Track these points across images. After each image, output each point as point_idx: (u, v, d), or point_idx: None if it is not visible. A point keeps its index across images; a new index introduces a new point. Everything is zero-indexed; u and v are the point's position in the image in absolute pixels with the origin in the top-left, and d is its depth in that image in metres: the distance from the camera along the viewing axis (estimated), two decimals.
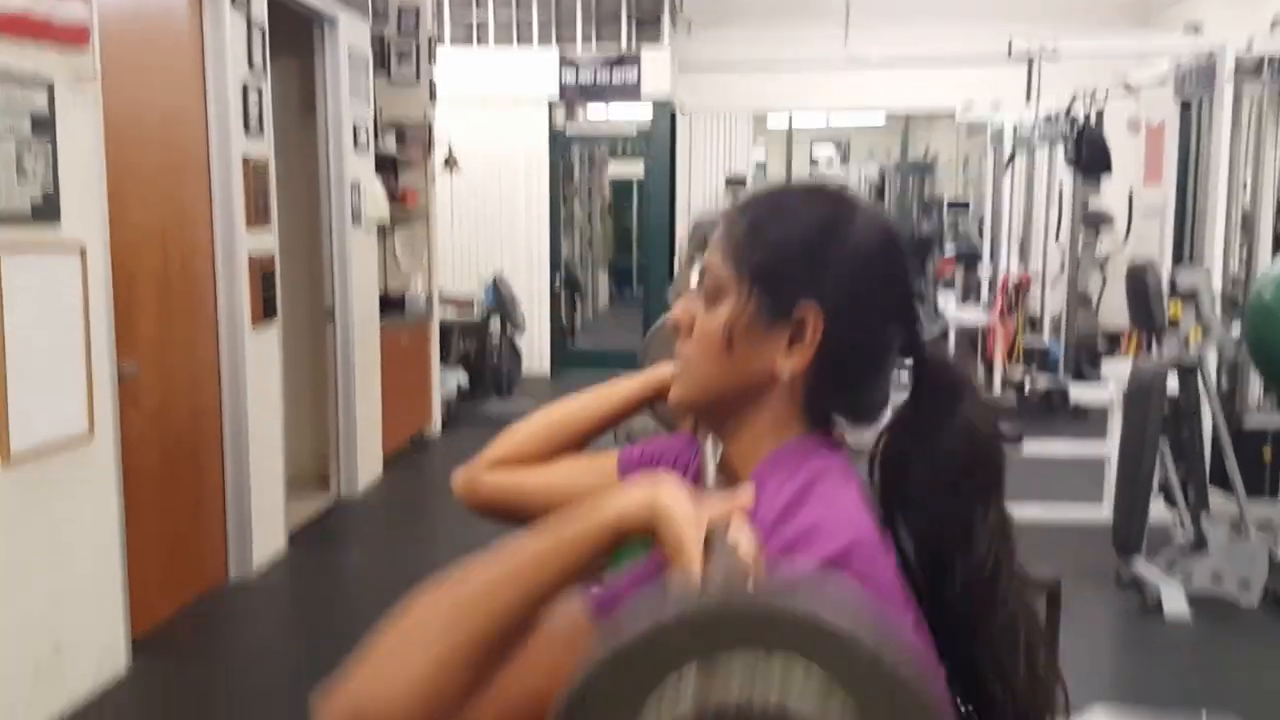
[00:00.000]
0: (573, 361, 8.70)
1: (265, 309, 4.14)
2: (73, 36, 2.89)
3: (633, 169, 13.38)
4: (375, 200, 5.30)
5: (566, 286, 9.30)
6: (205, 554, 3.94)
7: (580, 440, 1.16)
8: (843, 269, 0.83)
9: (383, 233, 5.78)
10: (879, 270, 0.84)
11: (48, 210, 2.85)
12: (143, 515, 3.43)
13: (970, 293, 8.22)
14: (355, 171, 5.09)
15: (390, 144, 5.80)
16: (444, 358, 6.71)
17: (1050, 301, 7.72)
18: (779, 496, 0.78)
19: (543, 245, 8.45)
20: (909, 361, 0.87)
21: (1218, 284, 4.03)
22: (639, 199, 13.83)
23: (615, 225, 14.63)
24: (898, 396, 0.88)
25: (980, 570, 0.80)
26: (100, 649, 3.15)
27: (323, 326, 5.10)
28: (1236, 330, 3.96)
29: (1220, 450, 4.08)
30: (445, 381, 6.62)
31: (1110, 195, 8.52)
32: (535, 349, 8.29)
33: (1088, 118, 5.93)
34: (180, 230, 3.74)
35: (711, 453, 0.92)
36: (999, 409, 0.89)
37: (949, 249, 8.89)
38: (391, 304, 5.91)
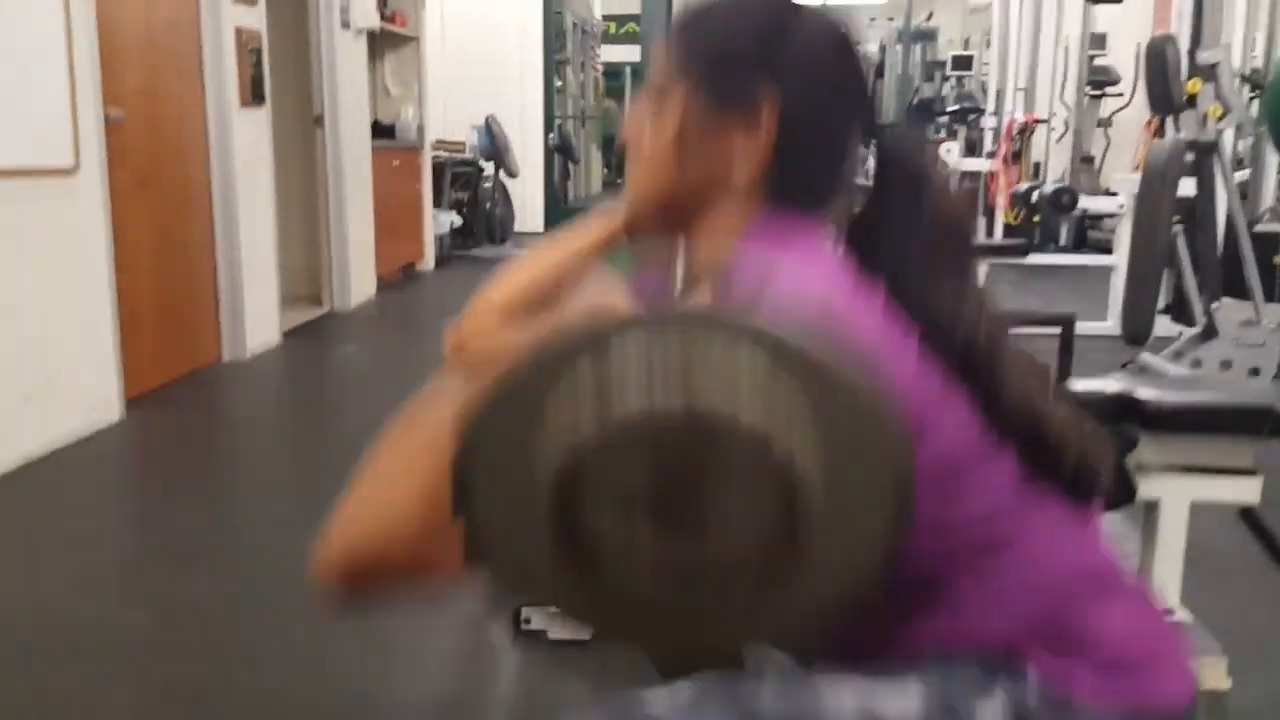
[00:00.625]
0: (568, 217, 8.55)
1: (254, 91, 3.99)
2: None
3: (628, 54, 13.13)
4: (364, 6, 5.10)
5: (559, 150, 9.11)
6: (199, 332, 3.85)
7: (555, 293, 1.11)
8: (795, 53, 0.79)
9: (372, 58, 5.59)
10: (832, 57, 0.81)
11: None
12: (134, 275, 3.33)
13: (974, 149, 8.07)
14: None
15: None
16: (436, 200, 6.57)
17: (1053, 161, 7.59)
18: (746, 275, 0.75)
19: (536, 97, 8.25)
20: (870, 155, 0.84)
21: (1237, 62, 3.91)
22: (633, 82, 13.60)
23: (607, 114, 14.39)
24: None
25: (973, 351, 0.76)
26: (93, 391, 3.08)
27: (313, 139, 4.95)
28: (1255, 111, 3.85)
29: (1235, 247, 4.01)
30: (437, 221, 6.49)
31: (1116, 56, 8.37)
32: (529, 204, 8.15)
33: None
34: None
35: (676, 259, 0.88)
36: (962, 196, 0.82)
37: (951, 107, 8.71)
38: (382, 131, 5.75)
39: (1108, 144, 8.66)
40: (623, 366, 0.57)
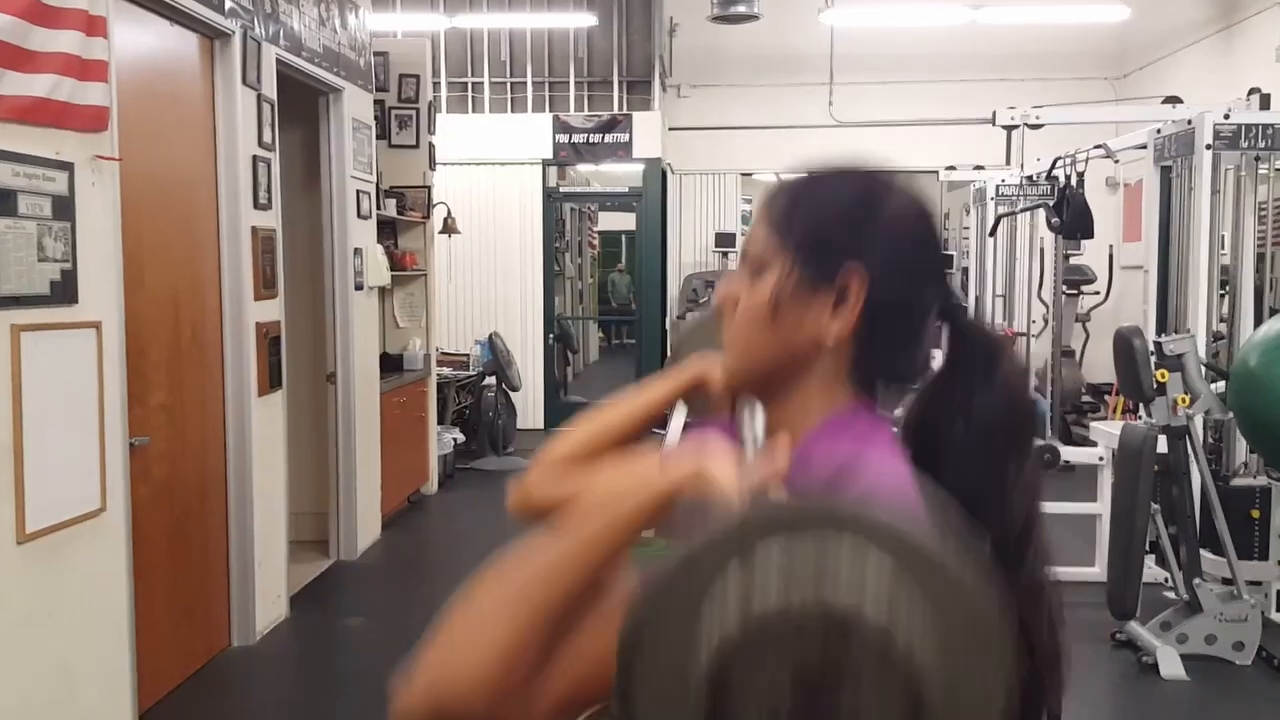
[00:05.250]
0: (566, 414, 8.75)
1: (271, 378, 4.19)
2: (93, 120, 2.97)
3: (623, 222, 13.58)
4: (377, 266, 5.38)
5: (559, 341, 9.38)
6: (210, 622, 3.95)
7: (622, 444, 1.17)
8: (882, 233, 0.86)
9: (382, 293, 5.86)
10: (916, 234, 0.88)
11: (66, 291, 2.90)
12: (150, 587, 3.44)
13: None
14: (358, 238, 5.17)
15: (391, 208, 5.89)
16: (440, 416, 6.76)
17: (1035, 356, 7.83)
18: (828, 462, 0.80)
19: (537, 301, 8.55)
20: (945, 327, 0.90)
21: (1203, 348, 4.13)
22: (628, 251, 14.00)
23: (605, 279, 14.79)
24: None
25: (1010, 530, 0.82)
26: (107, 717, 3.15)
27: (324, 390, 5.15)
28: (1221, 388, 4.05)
29: (1210, 511, 4.16)
30: (442, 439, 6.66)
31: (1091, 253, 8.72)
32: (529, 403, 8.35)
33: (1069, 180, 6.08)
34: (190, 302, 3.80)
35: (752, 422, 0.94)
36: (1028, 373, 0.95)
37: None
38: (390, 363, 5.96)
39: (1086, 337, 8.97)
40: (765, 566, 0.61)
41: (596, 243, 13.64)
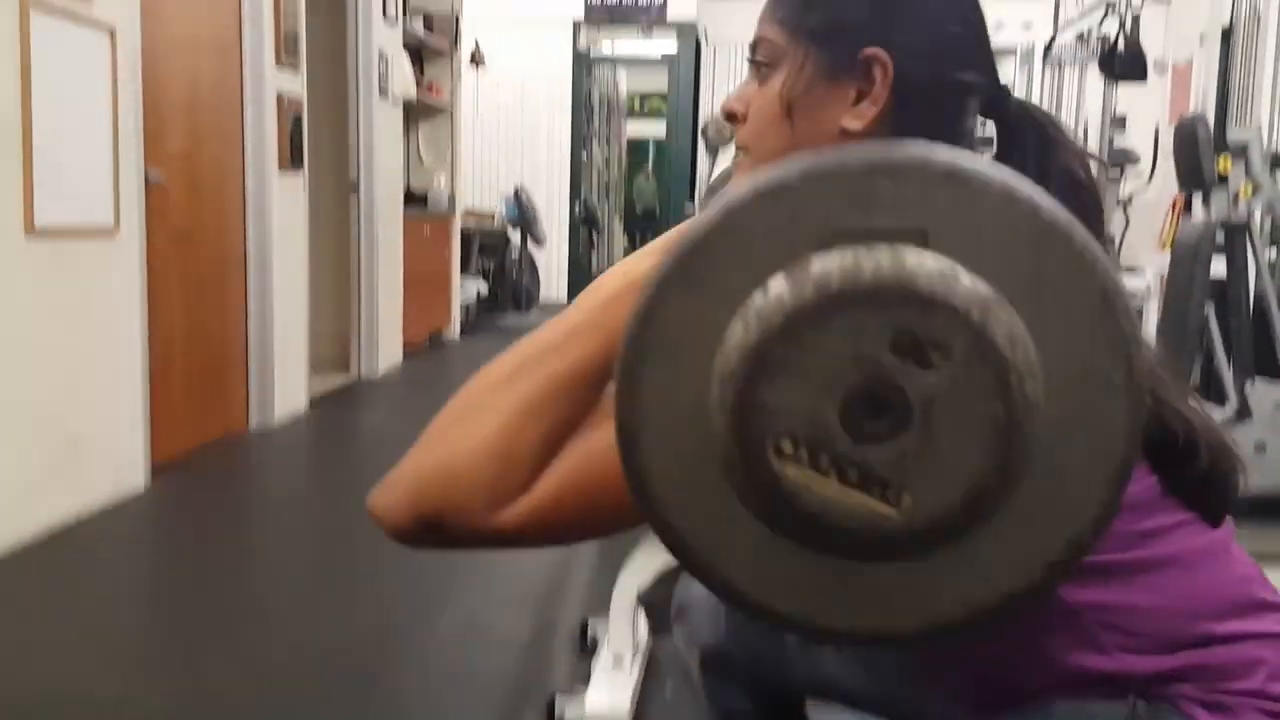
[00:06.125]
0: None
1: (293, 156, 4.06)
2: None
3: (651, 129, 13.36)
4: (402, 76, 5.21)
5: (585, 224, 9.22)
6: (228, 398, 3.85)
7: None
8: (911, 7, 0.76)
9: (407, 127, 5.70)
10: (953, 8, 0.77)
11: None
12: (166, 337, 3.34)
13: None
14: (383, 42, 5.00)
15: (418, 29, 5.70)
16: (464, 267, 6.63)
17: None
18: None
19: (563, 169, 8.37)
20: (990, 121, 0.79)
21: (1267, 143, 3.93)
22: (656, 152, 13.82)
23: (631, 187, 14.62)
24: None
25: None
26: (120, 459, 3.06)
27: (347, 204, 5.01)
28: None
29: (1267, 325, 3.97)
30: (465, 288, 6.54)
31: (1135, 137, 8.44)
32: (554, 273, 8.22)
33: (1123, 23, 5.81)
34: (210, 50, 3.64)
35: None
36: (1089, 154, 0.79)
37: None
38: (415, 200, 5.83)
39: (1126, 223, 8.69)
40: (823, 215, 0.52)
41: (624, 141, 13.45)
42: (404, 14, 5.35)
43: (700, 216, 0.55)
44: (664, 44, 8.73)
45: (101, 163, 2.93)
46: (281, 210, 3.99)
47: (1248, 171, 3.78)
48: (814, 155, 0.55)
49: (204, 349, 3.69)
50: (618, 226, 13.57)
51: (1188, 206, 4.67)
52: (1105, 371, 0.52)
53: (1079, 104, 7.71)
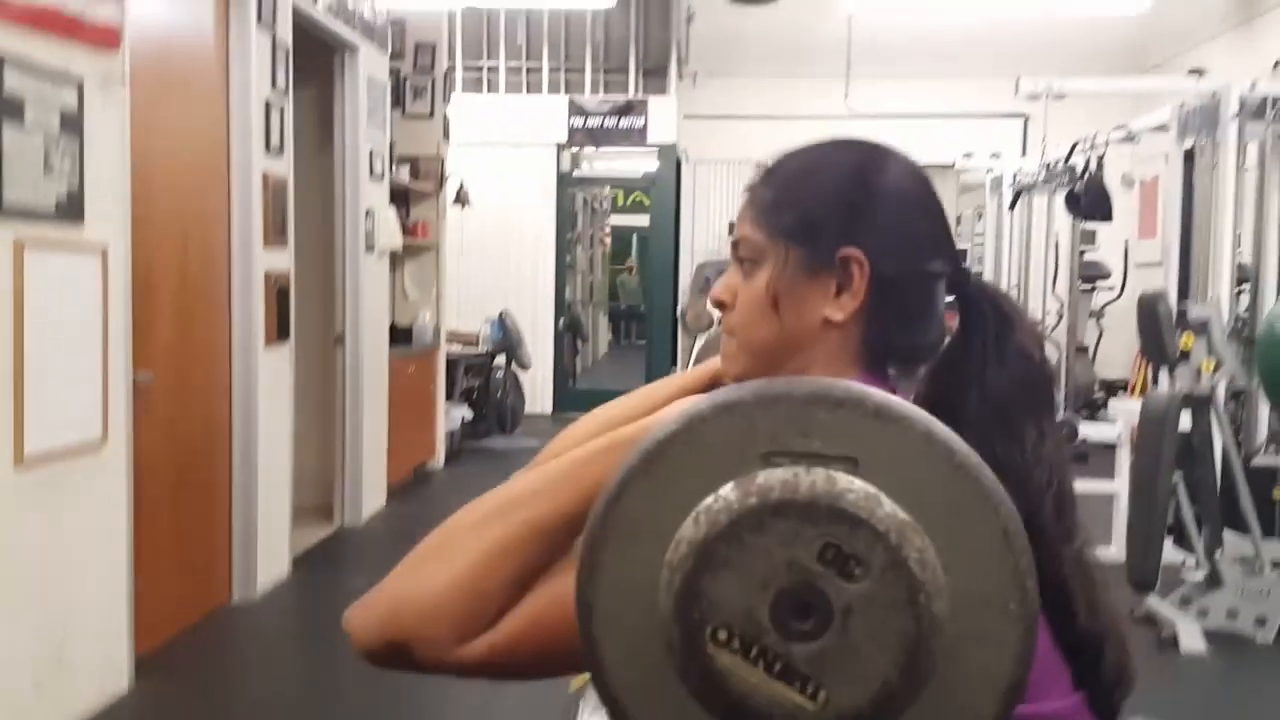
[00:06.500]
0: (574, 402, 8.68)
1: (280, 329, 4.13)
2: (104, 38, 2.92)
3: (634, 220, 13.57)
4: (389, 228, 5.33)
5: (569, 330, 9.33)
6: (212, 574, 3.87)
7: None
8: (881, 208, 0.82)
9: (393, 265, 5.80)
10: (917, 205, 0.84)
11: (72, 209, 2.85)
12: (152, 530, 3.37)
13: None
14: (370, 199, 5.12)
15: (404, 176, 5.84)
16: (449, 393, 6.69)
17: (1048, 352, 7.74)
18: None
19: (548, 285, 8.50)
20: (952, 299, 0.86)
21: (1226, 318, 4.06)
22: (639, 247, 14.00)
23: (615, 275, 14.79)
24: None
25: (1036, 508, 0.76)
26: (104, 664, 3.08)
27: (332, 354, 5.08)
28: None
29: (1232, 485, 4.07)
30: (450, 415, 6.59)
31: (1105, 250, 8.64)
32: (538, 388, 8.29)
33: (1088, 164, 6.01)
34: (199, 243, 3.74)
35: None
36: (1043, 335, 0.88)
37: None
38: (400, 335, 5.90)
39: (1100, 334, 8.87)
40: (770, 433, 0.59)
41: (608, 239, 13.64)
42: (391, 167, 5.48)
43: (666, 421, 0.63)
44: (646, 162, 8.93)
45: (91, 377, 2.98)
46: (267, 383, 4.05)
47: (1209, 349, 3.90)
48: (766, 382, 0.64)
49: (189, 534, 3.72)
50: (603, 321, 13.73)
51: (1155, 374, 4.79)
52: (1003, 599, 0.59)
53: (1049, 220, 7.90)
